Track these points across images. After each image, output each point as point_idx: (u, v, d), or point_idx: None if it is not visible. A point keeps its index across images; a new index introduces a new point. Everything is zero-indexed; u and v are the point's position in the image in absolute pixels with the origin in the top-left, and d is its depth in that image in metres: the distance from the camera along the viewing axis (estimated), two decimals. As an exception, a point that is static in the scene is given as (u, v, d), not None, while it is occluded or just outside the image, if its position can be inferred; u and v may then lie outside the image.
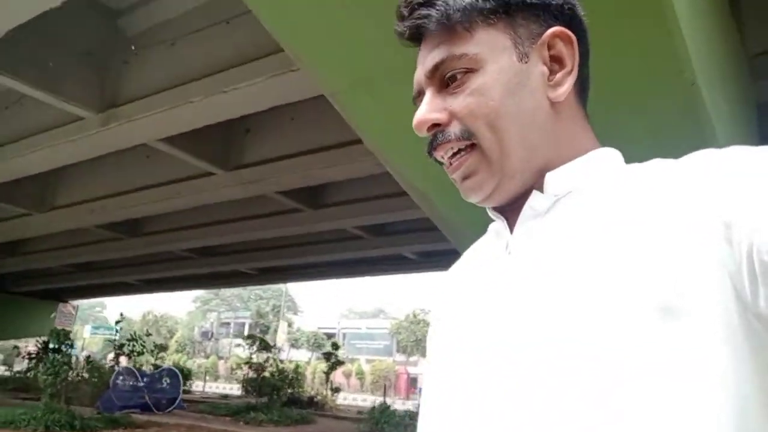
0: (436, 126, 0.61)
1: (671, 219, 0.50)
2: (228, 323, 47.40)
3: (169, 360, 21.45)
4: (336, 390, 16.09)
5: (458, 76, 0.60)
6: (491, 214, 0.66)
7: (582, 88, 0.65)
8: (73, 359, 10.40)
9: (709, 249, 0.47)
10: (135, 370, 12.26)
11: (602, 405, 0.47)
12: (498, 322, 0.56)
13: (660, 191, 0.52)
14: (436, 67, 0.60)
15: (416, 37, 0.63)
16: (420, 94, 0.63)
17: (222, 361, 35.74)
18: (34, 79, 6.12)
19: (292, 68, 4.93)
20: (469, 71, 0.59)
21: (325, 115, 6.69)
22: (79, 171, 9.15)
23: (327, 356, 15.62)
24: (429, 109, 0.60)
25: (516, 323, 0.54)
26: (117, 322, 13.83)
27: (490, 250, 0.66)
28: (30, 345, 15.52)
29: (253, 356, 14.45)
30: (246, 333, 43.06)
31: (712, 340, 0.46)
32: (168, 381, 12.83)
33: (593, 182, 0.59)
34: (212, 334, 44.90)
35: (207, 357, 37.81)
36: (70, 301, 22.10)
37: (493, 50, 0.60)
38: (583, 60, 0.63)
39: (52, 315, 20.39)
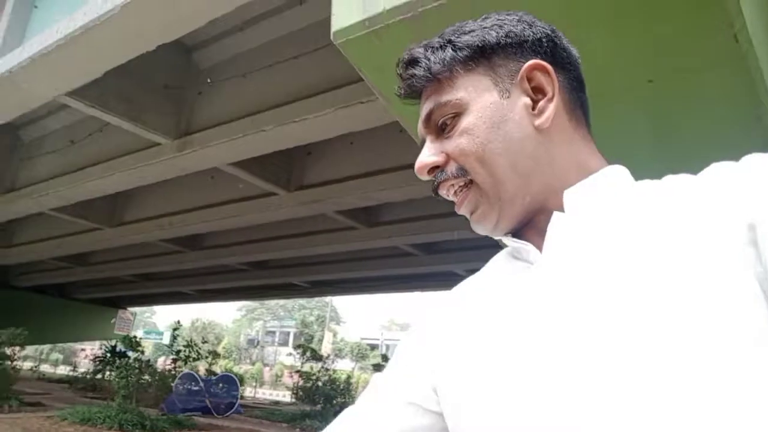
0: (435, 168, 0.65)
1: (696, 230, 0.51)
2: (273, 332, 48.37)
3: (218, 366, 22.24)
4: (385, 401, 16.22)
5: (448, 121, 0.64)
6: (509, 241, 0.66)
7: (576, 110, 0.67)
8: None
9: (736, 255, 0.49)
10: (196, 375, 12.86)
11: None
12: (543, 342, 0.56)
13: (683, 204, 0.55)
14: (429, 117, 0.66)
15: (413, 95, 0.68)
16: (423, 142, 0.68)
17: (267, 368, 36.50)
18: (118, 110, 6.69)
19: (361, 100, 5.29)
20: (457, 115, 0.64)
21: (383, 141, 7.07)
22: (147, 189, 9.78)
23: (376, 368, 15.93)
24: (427, 154, 0.65)
25: (563, 343, 0.55)
26: (174, 329, 14.53)
27: (516, 273, 0.65)
28: (95, 348, 16.42)
29: (304, 365, 14.91)
30: (291, 342, 43.97)
31: (745, 349, 0.47)
32: (225, 386, 13.42)
33: (611, 198, 0.61)
34: (258, 341, 45.92)
35: (253, 364, 38.66)
36: (128, 308, 23.22)
37: (475, 92, 0.64)
38: (574, 84, 0.68)
39: (112, 320, 21.52)
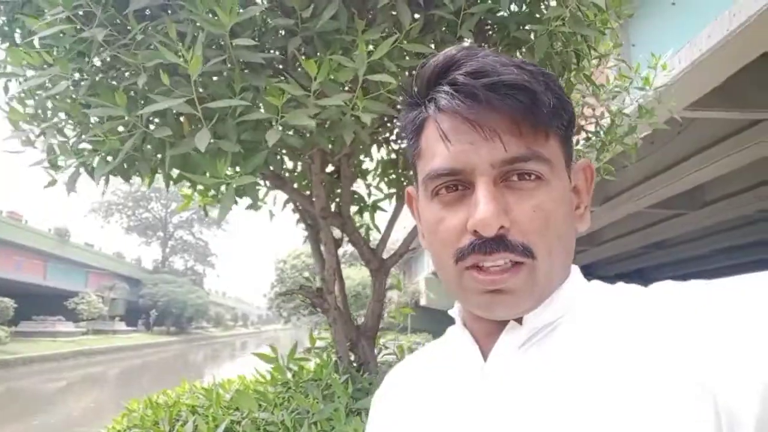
0: (500, 229, 0.51)
1: (647, 373, 0.47)
2: None
3: None
4: None
5: (527, 179, 0.52)
6: (461, 330, 0.61)
7: None
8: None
9: (686, 411, 0.45)
10: None
11: None
12: None
13: (634, 337, 0.50)
14: (513, 161, 0.52)
15: (476, 99, 0.51)
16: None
17: None
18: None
19: None
20: (539, 179, 0.53)
21: None
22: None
23: None
24: (500, 209, 0.51)
25: None
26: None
27: (459, 372, 0.60)
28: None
29: None
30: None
31: None
32: None
33: (567, 313, 0.56)
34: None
35: None
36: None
37: (556, 164, 0.54)
38: None
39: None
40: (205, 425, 1.97)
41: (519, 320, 0.56)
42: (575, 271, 0.60)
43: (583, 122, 2.88)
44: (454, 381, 0.60)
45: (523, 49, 2.12)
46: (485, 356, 0.58)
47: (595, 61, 2.85)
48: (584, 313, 0.56)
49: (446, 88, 0.53)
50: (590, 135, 2.83)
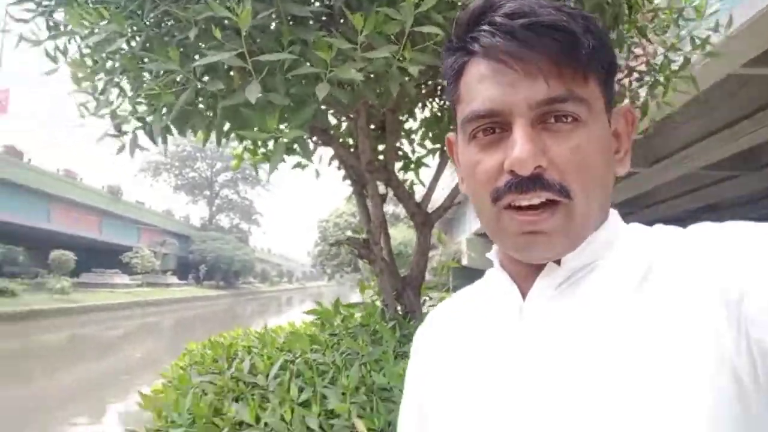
0: (537, 168, 0.52)
1: (680, 305, 0.49)
2: None
3: None
4: None
5: (564, 120, 0.52)
6: (499, 272, 0.63)
7: None
8: None
9: (714, 334, 0.46)
10: None
11: None
12: (513, 399, 0.55)
13: (669, 272, 0.51)
14: (550, 101, 0.52)
15: (515, 38, 0.52)
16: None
17: None
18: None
19: None
20: (576, 121, 0.53)
21: None
22: None
23: None
24: (537, 149, 0.52)
25: (531, 404, 0.53)
26: None
27: (498, 312, 0.62)
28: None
29: None
30: None
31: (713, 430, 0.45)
32: None
33: (605, 255, 0.56)
34: None
35: None
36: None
37: (595, 106, 0.54)
38: None
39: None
40: (261, 363, 2.11)
41: (557, 262, 0.57)
42: (614, 214, 0.60)
43: (633, 63, 2.79)
44: (494, 321, 0.62)
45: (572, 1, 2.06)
46: (524, 297, 0.59)
47: (649, 15, 2.73)
48: (622, 254, 0.56)
49: (485, 28, 0.53)
50: (642, 74, 2.74)
